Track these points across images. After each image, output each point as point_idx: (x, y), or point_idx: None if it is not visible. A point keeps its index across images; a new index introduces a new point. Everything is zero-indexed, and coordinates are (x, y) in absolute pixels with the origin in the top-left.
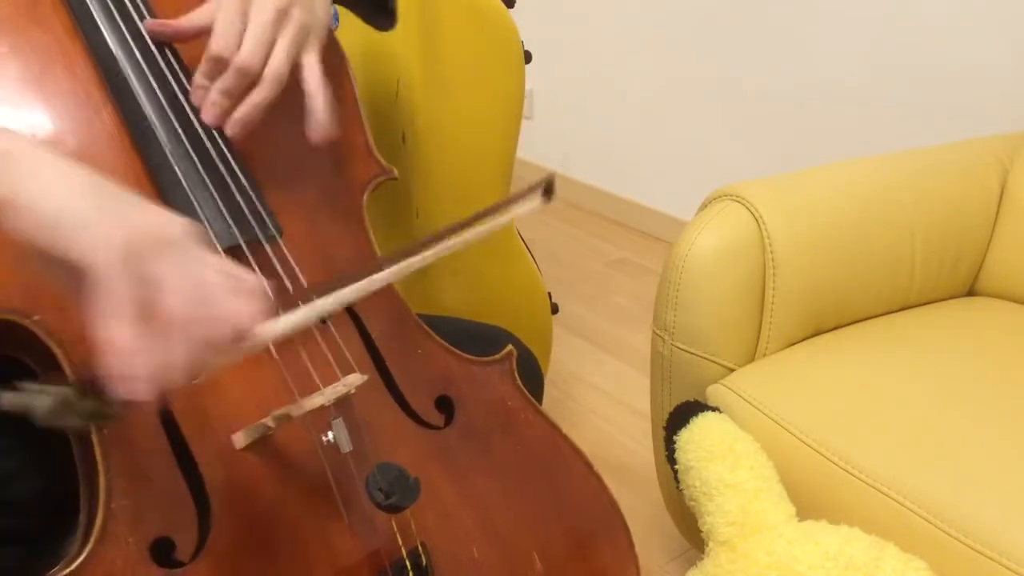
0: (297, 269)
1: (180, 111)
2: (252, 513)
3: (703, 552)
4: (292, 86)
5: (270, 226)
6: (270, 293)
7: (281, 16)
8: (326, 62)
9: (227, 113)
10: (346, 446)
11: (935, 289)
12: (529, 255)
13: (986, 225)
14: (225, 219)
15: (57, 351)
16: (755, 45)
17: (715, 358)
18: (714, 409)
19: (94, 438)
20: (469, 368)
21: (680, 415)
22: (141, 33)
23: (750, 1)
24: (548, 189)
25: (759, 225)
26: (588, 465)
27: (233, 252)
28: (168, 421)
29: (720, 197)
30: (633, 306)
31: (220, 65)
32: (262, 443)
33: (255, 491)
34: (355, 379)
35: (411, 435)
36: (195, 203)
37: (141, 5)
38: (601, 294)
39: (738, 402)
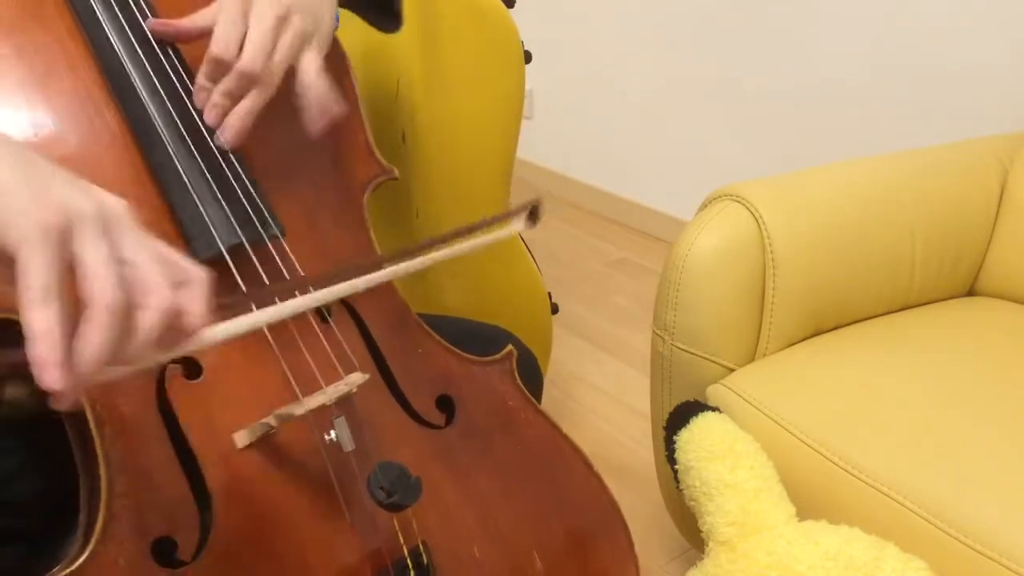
0: (299, 268)
1: (183, 111)
2: (254, 512)
3: (703, 552)
4: (292, 87)
5: (273, 225)
6: (212, 287)
7: (281, 22)
8: (328, 62)
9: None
10: (348, 445)
11: (935, 289)
12: (529, 255)
13: (986, 225)
14: (228, 218)
15: None
16: (755, 45)
17: (715, 358)
18: (714, 409)
19: (95, 438)
20: (469, 368)
21: (680, 415)
22: (144, 33)
23: (750, 1)
24: (533, 213)
25: (759, 225)
26: (588, 465)
27: (236, 251)
28: (170, 420)
29: (720, 197)
30: (633, 306)
31: (221, 67)
32: (264, 442)
33: (257, 490)
34: (357, 378)
35: (412, 434)
36: (198, 202)
37: (144, 5)
38: (601, 294)
39: (738, 402)
